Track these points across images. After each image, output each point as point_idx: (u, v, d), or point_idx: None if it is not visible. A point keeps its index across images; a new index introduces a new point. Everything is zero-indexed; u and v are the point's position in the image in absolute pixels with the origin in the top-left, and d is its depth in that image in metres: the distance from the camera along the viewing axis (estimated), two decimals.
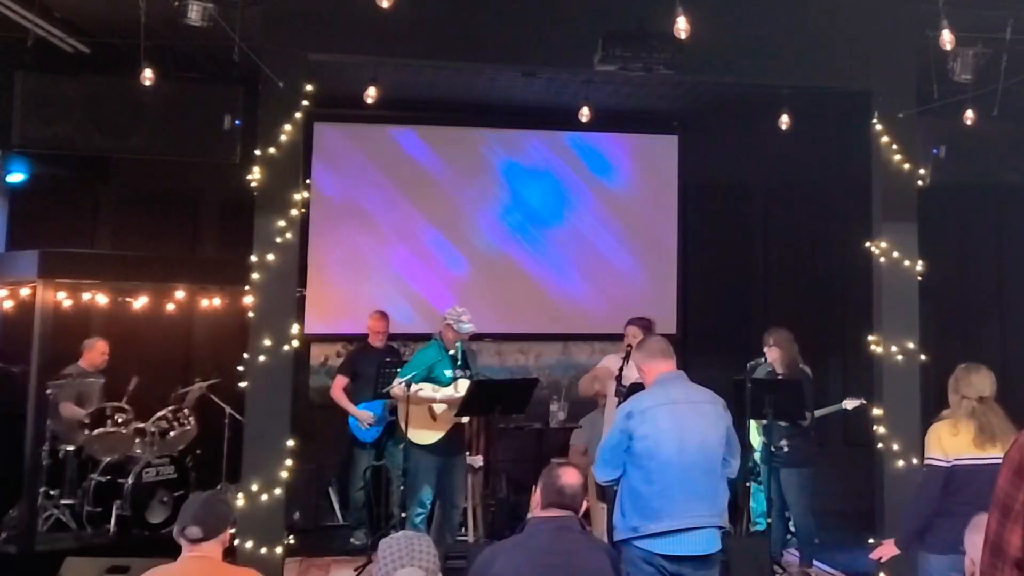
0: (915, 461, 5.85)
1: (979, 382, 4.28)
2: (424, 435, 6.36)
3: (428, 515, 6.61)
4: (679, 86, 7.91)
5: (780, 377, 6.68)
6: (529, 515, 3.67)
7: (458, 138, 9.03)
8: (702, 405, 4.21)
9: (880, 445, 6.14)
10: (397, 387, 6.33)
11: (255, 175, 5.75)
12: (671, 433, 4.04)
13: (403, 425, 6.37)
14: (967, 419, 4.22)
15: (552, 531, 3.45)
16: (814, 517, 6.79)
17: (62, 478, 7.01)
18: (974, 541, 2.99)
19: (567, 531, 3.47)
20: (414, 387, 6.23)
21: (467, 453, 7.03)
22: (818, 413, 7.43)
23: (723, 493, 4.20)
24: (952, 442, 4.20)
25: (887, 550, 4.41)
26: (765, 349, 6.79)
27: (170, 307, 7.97)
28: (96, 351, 7.46)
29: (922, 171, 6.40)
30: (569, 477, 3.57)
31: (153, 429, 7.22)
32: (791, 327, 6.89)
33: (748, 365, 6.92)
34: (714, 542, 4.07)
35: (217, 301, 7.98)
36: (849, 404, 7.13)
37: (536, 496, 3.64)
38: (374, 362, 7.13)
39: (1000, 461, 4.11)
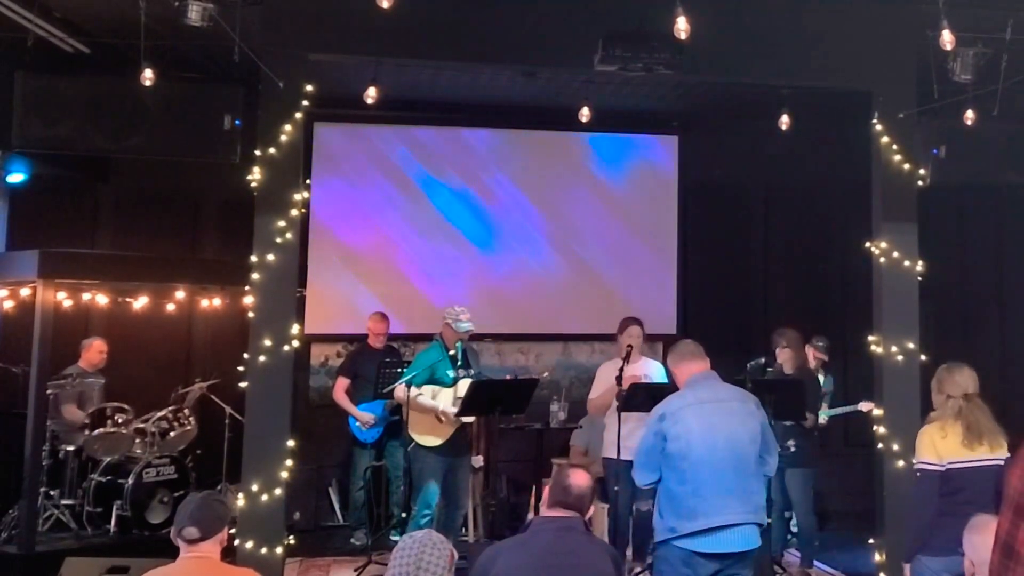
0: (915, 461, 5.84)
1: (963, 380, 4.25)
2: (431, 437, 6.36)
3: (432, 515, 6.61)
4: (679, 86, 7.91)
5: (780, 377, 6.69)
6: (530, 514, 3.68)
7: (457, 138, 9.02)
8: (730, 403, 4.24)
9: (880, 445, 6.14)
10: (399, 388, 6.33)
11: (255, 175, 5.74)
12: (700, 433, 4.08)
13: (406, 426, 6.37)
14: (954, 419, 4.20)
15: (555, 531, 3.46)
16: (815, 517, 6.78)
17: (62, 478, 7.01)
18: (972, 542, 2.98)
19: (570, 531, 3.47)
20: (414, 391, 6.22)
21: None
22: (833, 413, 7.46)
23: (758, 490, 4.20)
24: (943, 444, 4.17)
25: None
26: (776, 350, 6.79)
27: (170, 307, 7.97)
28: (94, 350, 7.46)
29: (922, 171, 6.40)
30: (577, 478, 3.58)
31: (153, 429, 7.21)
32: (791, 327, 6.89)
33: (748, 365, 6.93)
34: (752, 539, 4.09)
35: (217, 301, 7.97)
36: (864, 406, 7.12)
37: (544, 494, 3.67)
38: (374, 363, 7.15)
39: (992, 461, 4.11)
